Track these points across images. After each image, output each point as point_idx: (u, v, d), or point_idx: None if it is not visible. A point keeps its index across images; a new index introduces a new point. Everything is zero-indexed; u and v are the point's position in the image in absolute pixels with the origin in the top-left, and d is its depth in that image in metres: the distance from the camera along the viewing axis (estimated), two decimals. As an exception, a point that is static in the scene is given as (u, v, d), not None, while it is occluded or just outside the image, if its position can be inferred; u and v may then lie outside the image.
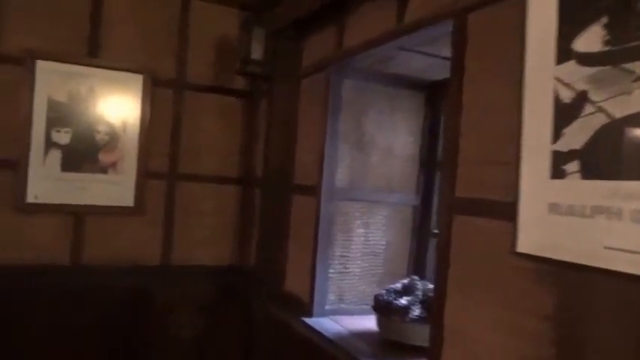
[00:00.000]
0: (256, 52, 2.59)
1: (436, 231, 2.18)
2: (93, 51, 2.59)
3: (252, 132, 2.96)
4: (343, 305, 2.19)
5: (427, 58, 1.95)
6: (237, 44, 2.80)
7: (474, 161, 1.33)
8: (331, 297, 2.17)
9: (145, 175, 2.71)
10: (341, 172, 2.17)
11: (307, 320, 2.07)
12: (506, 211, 1.14)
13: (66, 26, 2.53)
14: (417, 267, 2.30)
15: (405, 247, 2.32)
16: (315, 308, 2.11)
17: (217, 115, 2.91)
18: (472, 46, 1.37)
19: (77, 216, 2.58)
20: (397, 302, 1.77)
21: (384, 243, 2.28)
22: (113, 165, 2.67)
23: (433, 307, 1.44)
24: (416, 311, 1.74)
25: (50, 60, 2.49)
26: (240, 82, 2.94)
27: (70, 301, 2.51)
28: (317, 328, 1.98)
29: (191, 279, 2.81)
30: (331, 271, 2.16)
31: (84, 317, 2.54)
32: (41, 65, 2.48)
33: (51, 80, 2.51)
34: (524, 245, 1.06)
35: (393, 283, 1.97)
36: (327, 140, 2.12)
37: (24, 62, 2.43)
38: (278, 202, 2.47)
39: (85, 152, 2.60)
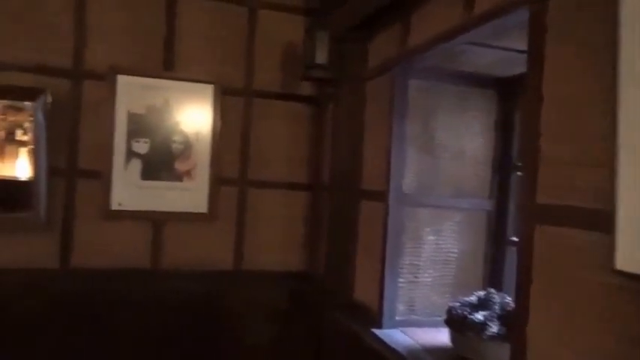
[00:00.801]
0: (321, 57, 2.57)
1: (513, 238, 2.01)
2: (167, 64, 2.73)
3: (320, 137, 2.95)
4: (414, 316, 2.09)
5: (498, 52, 1.81)
6: (302, 50, 2.81)
7: (558, 163, 1.18)
8: (401, 307, 2.08)
9: (217, 182, 2.80)
10: (409, 176, 2.08)
11: (377, 332, 2.00)
12: (601, 222, 0.99)
13: (143, 42, 2.69)
14: (492, 277, 2.14)
15: (479, 256, 2.17)
16: (385, 319, 2.04)
17: (285, 122, 2.94)
18: (552, 35, 1.22)
19: (156, 222, 2.72)
20: (473, 317, 1.64)
21: (456, 251, 2.14)
22: (188, 173, 2.78)
23: (514, 325, 1.30)
24: (493, 328, 1.60)
25: (130, 74, 2.66)
26: (307, 88, 2.94)
27: (149, 304, 2.64)
28: (387, 341, 1.90)
29: (262, 284, 2.85)
30: (401, 280, 2.07)
31: (160, 319, 2.66)
32: (122, 80, 2.65)
33: (130, 93, 2.67)
34: (625, 262, 0.91)
35: (467, 294, 1.84)
36: (394, 144, 2.04)
37: (107, 78, 2.62)
38: (345, 208, 2.42)
39: (163, 161, 2.74)
